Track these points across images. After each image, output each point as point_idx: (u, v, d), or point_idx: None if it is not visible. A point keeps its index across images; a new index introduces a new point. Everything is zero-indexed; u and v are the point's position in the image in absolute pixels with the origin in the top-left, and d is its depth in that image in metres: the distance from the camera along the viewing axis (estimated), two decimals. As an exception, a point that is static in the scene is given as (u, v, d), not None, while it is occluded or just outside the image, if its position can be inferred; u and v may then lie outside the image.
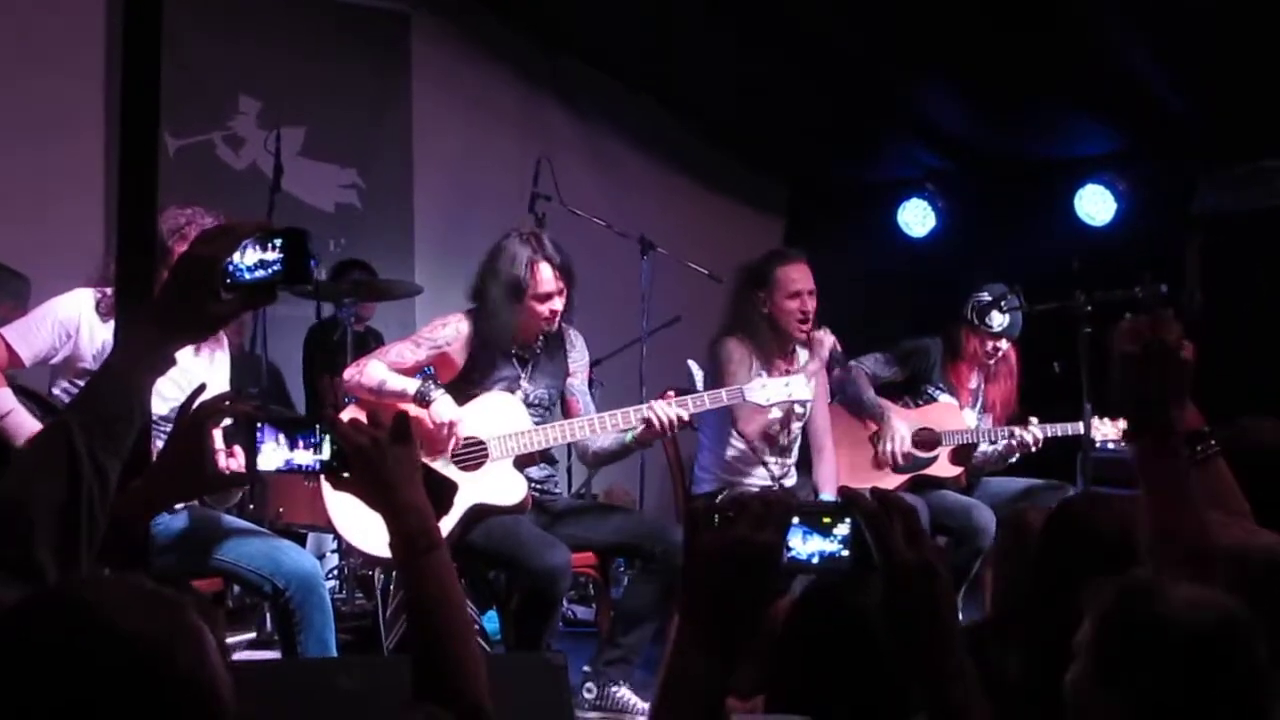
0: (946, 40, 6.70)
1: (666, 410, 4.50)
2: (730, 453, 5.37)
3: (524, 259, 4.61)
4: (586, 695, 4.56)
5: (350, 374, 4.67)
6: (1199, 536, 1.97)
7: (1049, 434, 5.58)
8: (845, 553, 1.60)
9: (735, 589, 1.53)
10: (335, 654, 4.13)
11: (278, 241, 1.81)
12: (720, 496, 5.30)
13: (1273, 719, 1.66)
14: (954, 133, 7.75)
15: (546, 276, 4.63)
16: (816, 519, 1.61)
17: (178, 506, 3.90)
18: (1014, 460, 5.71)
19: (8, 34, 5.98)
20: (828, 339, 5.23)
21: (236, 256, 1.81)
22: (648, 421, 4.50)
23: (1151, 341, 2.11)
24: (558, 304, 4.66)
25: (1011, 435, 5.58)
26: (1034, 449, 5.58)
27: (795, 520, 1.59)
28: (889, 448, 5.61)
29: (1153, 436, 2.06)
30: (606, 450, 4.78)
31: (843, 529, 1.60)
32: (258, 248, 1.81)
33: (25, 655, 1.21)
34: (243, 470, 2.00)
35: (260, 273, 1.81)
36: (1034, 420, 5.57)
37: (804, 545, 1.60)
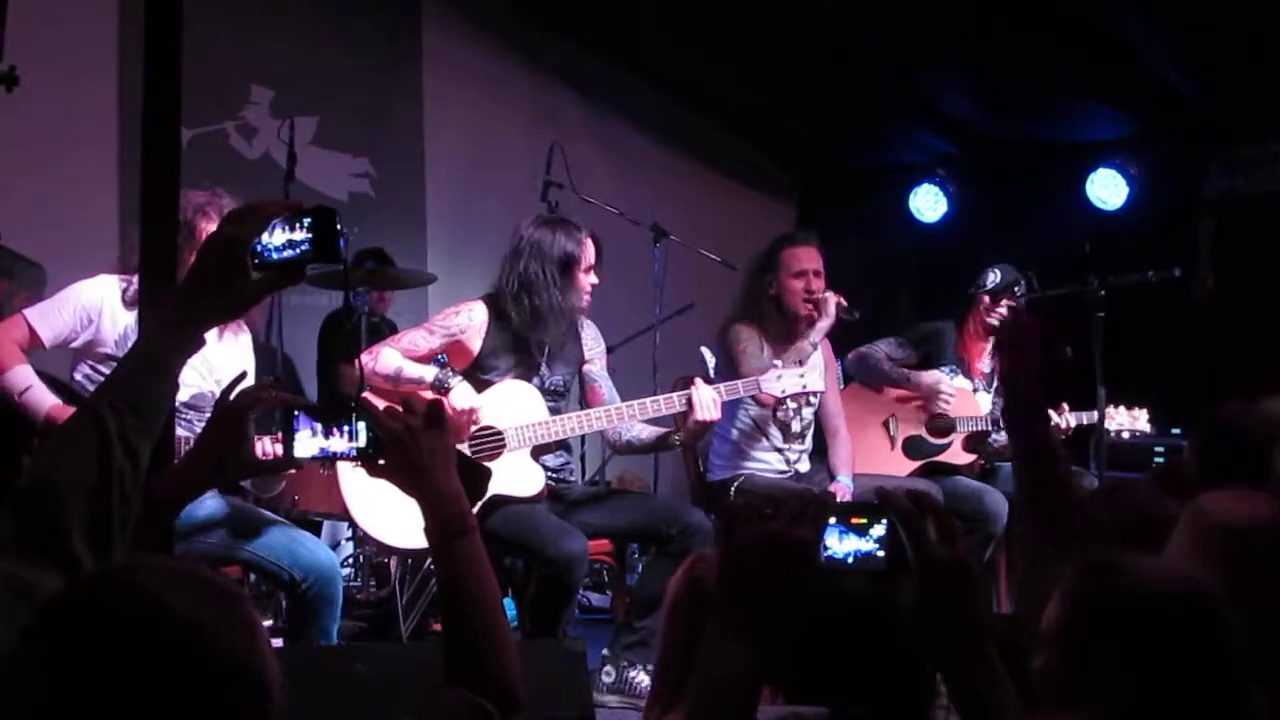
0: (957, 26, 6.69)
1: (707, 393, 4.49)
2: (737, 433, 5.37)
3: (570, 234, 4.64)
4: (605, 679, 4.56)
5: (364, 362, 4.66)
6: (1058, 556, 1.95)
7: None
8: (881, 552, 1.62)
9: (771, 586, 1.55)
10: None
11: (306, 221, 1.81)
12: (736, 483, 5.31)
13: (1249, 696, 1.66)
14: (965, 118, 7.74)
15: (591, 248, 4.68)
16: (852, 519, 1.63)
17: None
18: None
19: (23, 30, 5.97)
20: (832, 297, 5.18)
21: (265, 236, 1.81)
22: (689, 403, 4.48)
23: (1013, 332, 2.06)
24: (595, 278, 4.70)
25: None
26: (1063, 437, 5.50)
27: (831, 520, 1.61)
28: (941, 391, 5.60)
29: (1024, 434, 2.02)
30: (642, 442, 4.79)
31: (878, 529, 1.62)
32: (286, 227, 1.81)
33: (78, 635, 1.21)
34: (279, 456, 2.00)
35: (289, 252, 1.81)
36: (1065, 407, 5.51)
37: (840, 544, 1.62)
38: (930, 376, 5.65)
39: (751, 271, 5.45)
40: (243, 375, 2.12)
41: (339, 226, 1.82)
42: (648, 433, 4.75)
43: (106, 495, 1.68)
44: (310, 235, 1.81)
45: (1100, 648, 1.68)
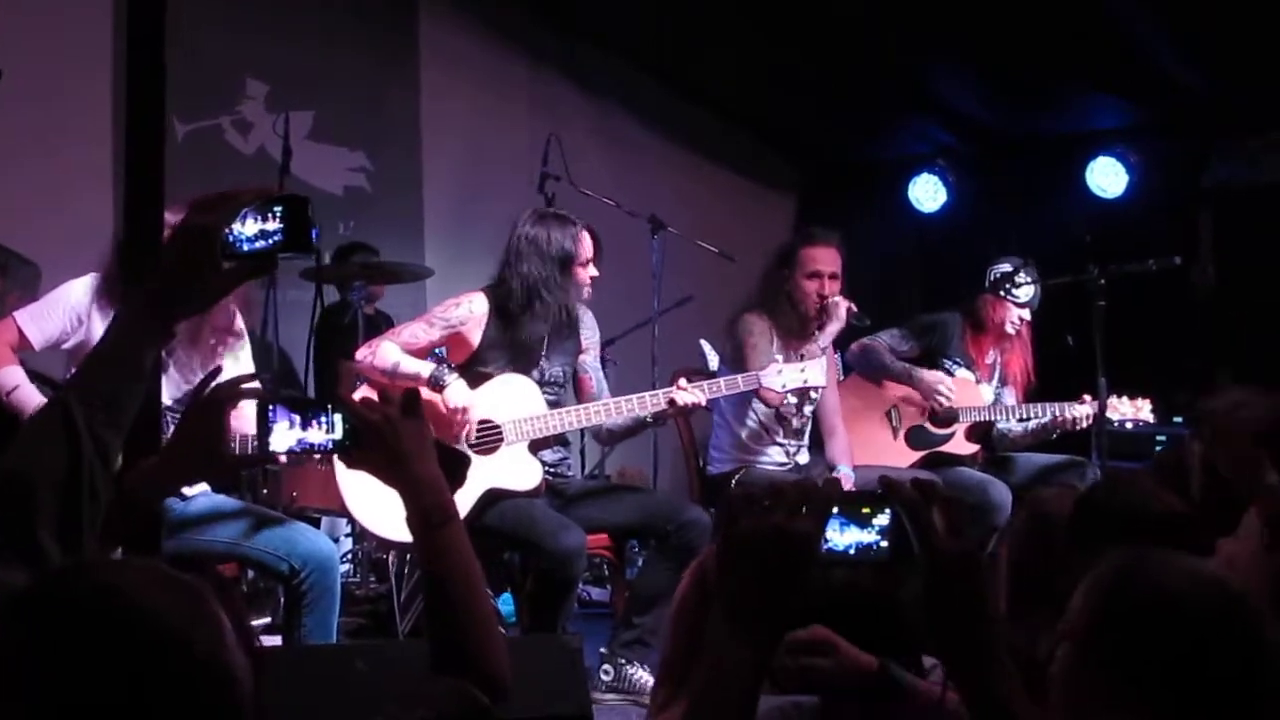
0: (957, 15, 6.65)
1: (687, 397, 4.50)
2: (746, 431, 5.36)
3: (565, 230, 4.63)
4: (604, 677, 4.54)
5: (363, 355, 4.64)
6: None
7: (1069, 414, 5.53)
8: (884, 544, 1.56)
9: (771, 578, 1.51)
10: (334, 639, 4.14)
11: (278, 209, 1.78)
12: (737, 476, 5.29)
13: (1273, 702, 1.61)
14: (964, 108, 7.71)
15: (588, 242, 4.68)
16: (855, 509, 1.57)
17: (190, 491, 3.91)
18: (1055, 437, 5.65)
19: (18, 29, 5.95)
20: (843, 302, 5.16)
21: (236, 226, 1.77)
22: (671, 402, 4.50)
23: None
24: (594, 270, 4.71)
25: (1061, 412, 5.49)
26: (1083, 426, 5.47)
27: (833, 510, 1.56)
28: (939, 391, 5.56)
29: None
30: (621, 428, 4.77)
31: (881, 519, 1.56)
32: (258, 217, 1.77)
33: (41, 636, 1.19)
34: (256, 451, 1.97)
35: (261, 243, 1.78)
36: (1087, 398, 5.47)
37: (841, 536, 1.56)
38: (932, 375, 5.62)
39: (771, 263, 5.42)
40: (218, 370, 2.08)
41: (311, 215, 1.78)
42: (625, 417, 4.74)
43: (76, 490, 1.65)
44: (283, 225, 1.77)
45: (1123, 648, 1.62)
